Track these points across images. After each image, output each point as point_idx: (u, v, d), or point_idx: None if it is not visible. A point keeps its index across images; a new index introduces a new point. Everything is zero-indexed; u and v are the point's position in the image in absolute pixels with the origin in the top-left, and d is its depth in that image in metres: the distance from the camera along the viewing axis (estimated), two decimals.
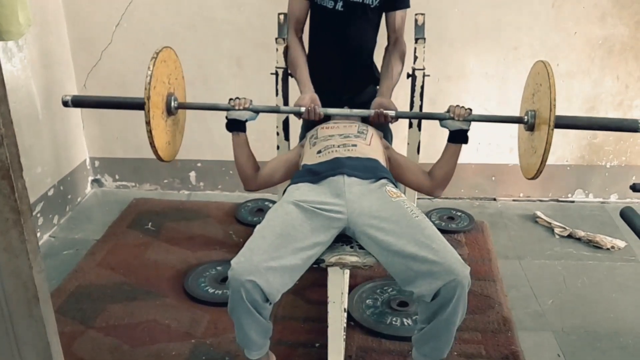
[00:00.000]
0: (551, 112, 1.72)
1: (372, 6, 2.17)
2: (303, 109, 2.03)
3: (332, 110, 2.05)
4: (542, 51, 2.82)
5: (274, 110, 2.14)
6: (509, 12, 2.80)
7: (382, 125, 2.26)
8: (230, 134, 2.00)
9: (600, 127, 2.05)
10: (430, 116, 2.05)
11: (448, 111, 1.92)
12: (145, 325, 2.12)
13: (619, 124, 2.03)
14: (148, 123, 1.81)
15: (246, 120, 1.98)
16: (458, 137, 1.91)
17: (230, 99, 1.98)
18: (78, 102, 2.10)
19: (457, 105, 1.92)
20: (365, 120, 2.14)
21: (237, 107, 1.96)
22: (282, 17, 2.29)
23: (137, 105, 1.85)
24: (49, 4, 2.76)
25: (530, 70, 1.96)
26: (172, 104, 1.96)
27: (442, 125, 1.94)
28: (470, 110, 1.91)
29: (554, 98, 1.72)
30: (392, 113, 2.02)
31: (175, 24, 2.86)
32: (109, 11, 2.85)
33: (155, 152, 1.91)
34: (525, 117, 1.91)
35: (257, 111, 1.99)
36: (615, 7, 2.76)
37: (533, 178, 1.87)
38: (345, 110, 2.06)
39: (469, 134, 1.92)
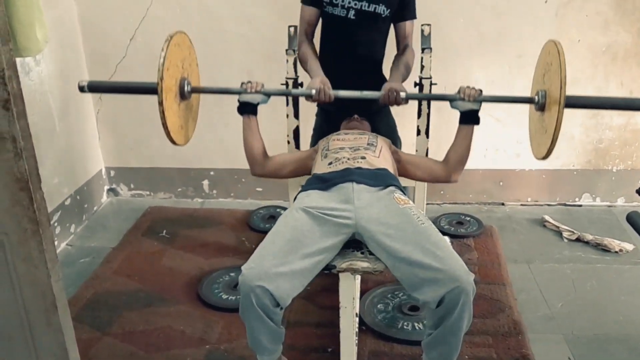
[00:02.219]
0: (562, 90, 1.70)
1: (383, 16, 2.22)
2: (314, 91, 2.05)
3: (342, 92, 2.08)
4: None
5: (286, 93, 2.18)
6: (512, 22, 2.84)
7: (389, 125, 2.30)
8: (242, 137, 2.04)
9: (610, 106, 2.08)
10: (441, 97, 2.07)
11: (458, 92, 1.95)
12: (161, 331, 2.16)
13: (629, 103, 2.05)
14: (161, 103, 1.83)
15: (257, 104, 2.02)
16: (469, 118, 1.95)
17: (243, 83, 2.03)
18: (94, 87, 2.13)
19: (468, 86, 1.94)
20: (376, 118, 2.18)
21: (249, 90, 2.01)
22: (292, 29, 2.35)
23: (151, 89, 1.87)
24: (65, 19, 2.84)
25: (541, 50, 1.96)
26: (186, 88, 1.98)
27: (452, 107, 1.97)
28: (481, 91, 1.93)
29: (564, 77, 1.70)
30: (402, 94, 2.05)
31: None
32: (124, 26, 2.92)
33: (168, 133, 1.91)
34: (536, 97, 1.90)
35: (268, 94, 2.03)
36: (618, 15, 2.80)
37: (544, 158, 1.86)
38: (356, 92, 2.08)
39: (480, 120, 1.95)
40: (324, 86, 2.04)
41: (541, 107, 1.88)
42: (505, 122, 2.98)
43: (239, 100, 2.02)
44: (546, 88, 1.87)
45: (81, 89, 2.04)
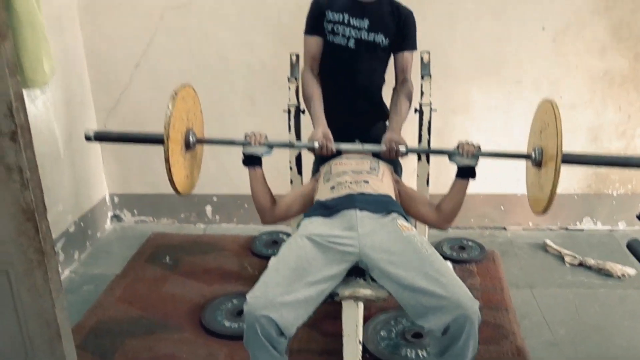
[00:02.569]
0: (557, 157, 1.73)
1: (381, 45, 2.26)
2: (316, 144, 2.08)
3: (344, 146, 2.11)
4: (544, 84, 2.90)
5: (288, 145, 2.21)
6: (510, 48, 2.88)
7: (392, 159, 2.33)
8: (245, 168, 2.06)
9: (606, 163, 2.11)
10: (440, 152, 2.09)
11: (457, 147, 1.97)
12: (164, 359, 2.15)
13: (625, 161, 2.08)
14: (167, 160, 1.87)
15: (262, 155, 2.05)
16: (466, 173, 1.96)
17: (246, 135, 2.04)
18: (100, 137, 2.17)
19: (466, 142, 1.96)
20: (376, 155, 2.20)
21: (252, 143, 2.03)
22: (294, 57, 2.39)
23: (157, 140, 1.91)
24: (71, 47, 2.88)
25: (537, 107, 2.00)
26: (191, 139, 2.03)
27: (450, 161, 1.99)
28: (479, 147, 1.95)
29: (560, 143, 1.73)
30: (402, 148, 2.08)
31: (192, 65, 2.98)
32: (128, 54, 2.97)
33: (175, 188, 1.96)
34: (533, 153, 1.93)
35: (271, 146, 2.05)
36: (614, 41, 2.84)
37: (540, 214, 1.90)
38: (357, 146, 2.12)
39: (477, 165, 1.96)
40: (326, 141, 2.08)
41: (538, 163, 1.91)
42: (505, 147, 2.99)
43: (243, 153, 2.04)
44: (543, 145, 1.89)
45: (87, 138, 2.07)
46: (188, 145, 2.03)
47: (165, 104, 1.88)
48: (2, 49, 1.35)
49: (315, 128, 2.18)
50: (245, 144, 2.03)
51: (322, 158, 2.30)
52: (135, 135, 2.21)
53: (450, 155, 1.98)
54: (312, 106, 2.25)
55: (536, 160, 1.91)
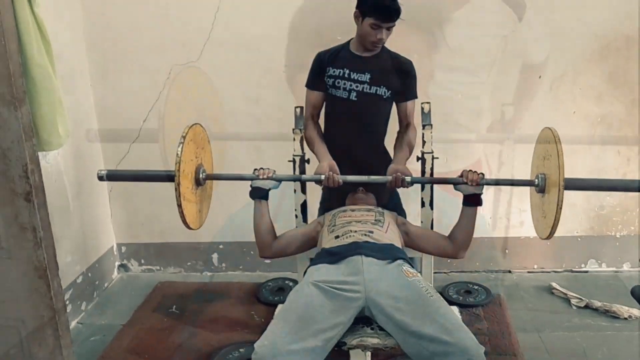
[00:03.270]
0: (560, 190, 1.78)
1: (384, 97, 2.33)
2: (323, 177, 2.13)
3: (350, 177, 2.16)
4: None
5: (296, 179, 2.26)
6: (509, 95, 2.95)
7: (394, 200, 2.37)
8: (250, 213, 2.11)
9: (608, 188, 2.17)
10: (445, 181, 2.14)
11: (461, 176, 2.02)
12: None
13: (625, 184, 2.14)
14: (180, 205, 1.92)
15: (269, 189, 2.11)
16: (472, 200, 2.02)
17: (255, 169, 2.13)
18: (112, 176, 2.22)
19: (470, 170, 2.02)
20: (381, 190, 2.24)
21: (261, 177, 2.10)
22: (298, 110, 2.46)
23: (168, 178, 1.98)
24: (82, 103, 2.96)
25: (539, 135, 2.06)
26: (201, 175, 2.10)
27: (456, 189, 2.04)
28: (483, 174, 2.01)
29: (562, 178, 1.79)
30: (408, 178, 2.12)
31: (199, 119, 3.02)
32: (137, 108, 3.04)
33: (187, 226, 2.02)
34: (536, 180, 1.99)
35: (279, 180, 2.12)
36: (610, 87, 2.91)
37: (546, 239, 1.94)
38: (363, 177, 2.16)
39: (483, 202, 2.03)
40: (332, 173, 2.14)
41: (541, 189, 1.97)
42: (507, 190, 3.04)
43: (251, 186, 2.11)
44: (546, 173, 1.96)
45: (100, 178, 2.13)
46: (198, 182, 2.10)
47: (172, 157, 1.93)
48: (19, 114, 1.41)
49: (321, 161, 2.23)
50: (253, 178, 2.11)
51: (328, 204, 2.34)
52: (146, 173, 2.27)
53: (456, 184, 2.03)
54: (316, 145, 2.33)
55: (540, 186, 1.97)
